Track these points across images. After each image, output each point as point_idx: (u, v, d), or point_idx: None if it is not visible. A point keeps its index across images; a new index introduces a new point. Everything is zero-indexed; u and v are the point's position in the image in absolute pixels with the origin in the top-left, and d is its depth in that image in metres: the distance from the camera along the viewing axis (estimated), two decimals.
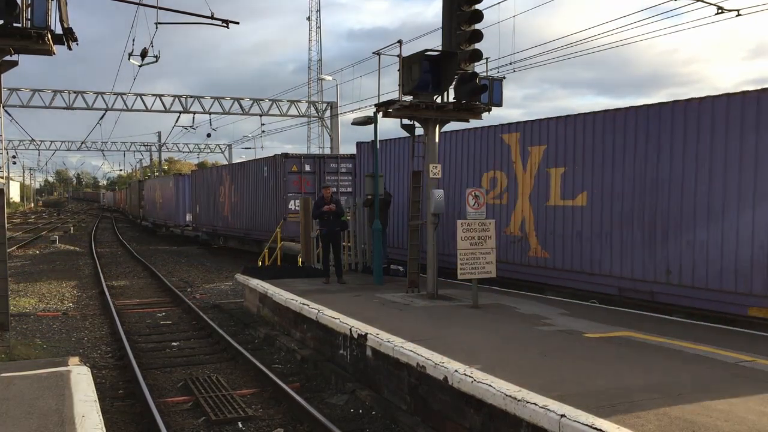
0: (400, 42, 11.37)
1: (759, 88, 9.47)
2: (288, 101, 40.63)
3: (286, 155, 22.57)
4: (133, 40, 24.99)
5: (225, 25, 15.19)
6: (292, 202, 21.65)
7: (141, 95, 37.98)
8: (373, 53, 12.18)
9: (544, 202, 12.58)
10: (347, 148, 49.37)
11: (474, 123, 12.51)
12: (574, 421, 5.24)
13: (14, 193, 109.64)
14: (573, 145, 12.05)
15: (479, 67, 11.30)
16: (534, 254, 12.86)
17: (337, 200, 14.38)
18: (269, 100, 39.97)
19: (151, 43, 20.43)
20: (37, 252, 29.78)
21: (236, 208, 27.16)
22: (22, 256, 28.17)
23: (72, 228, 47.74)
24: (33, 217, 71.83)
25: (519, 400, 5.80)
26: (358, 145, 18.04)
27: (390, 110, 11.44)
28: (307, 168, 22.46)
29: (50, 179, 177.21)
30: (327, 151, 43.58)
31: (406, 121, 11.92)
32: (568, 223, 12.13)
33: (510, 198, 13.34)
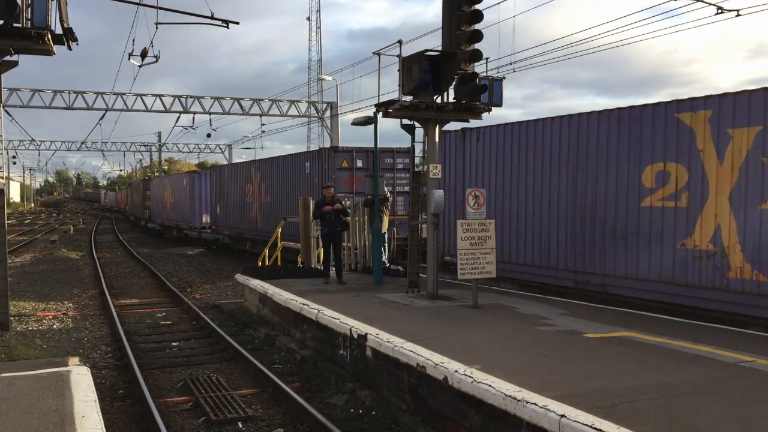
0: (400, 42, 11.39)
1: None
2: (288, 101, 40.61)
3: (335, 149, 20.18)
4: (133, 40, 24.95)
5: (225, 25, 15.20)
6: (340, 203, 19.69)
7: (141, 95, 37.95)
8: (373, 53, 12.19)
9: (757, 205, 9.45)
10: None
11: (618, 103, 11.41)
12: (574, 421, 5.24)
13: (14, 194, 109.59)
14: None
15: (479, 67, 11.34)
16: (738, 276, 9.70)
17: (339, 200, 14.45)
18: (269, 100, 39.96)
19: (151, 43, 20.52)
20: (37, 254, 29.77)
21: (268, 209, 24.53)
22: (19, 258, 28.15)
23: (72, 228, 47.71)
24: (31, 217, 71.52)
25: (519, 401, 5.80)
26: (443, 135, 15.02)
27: (390, 110, 11.47)
28: (359, 164, 19.85)
29: (50, 179, 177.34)
30: None
31: (406, 121, 11.94)
32: None
33: (693, 199, 10.27)
